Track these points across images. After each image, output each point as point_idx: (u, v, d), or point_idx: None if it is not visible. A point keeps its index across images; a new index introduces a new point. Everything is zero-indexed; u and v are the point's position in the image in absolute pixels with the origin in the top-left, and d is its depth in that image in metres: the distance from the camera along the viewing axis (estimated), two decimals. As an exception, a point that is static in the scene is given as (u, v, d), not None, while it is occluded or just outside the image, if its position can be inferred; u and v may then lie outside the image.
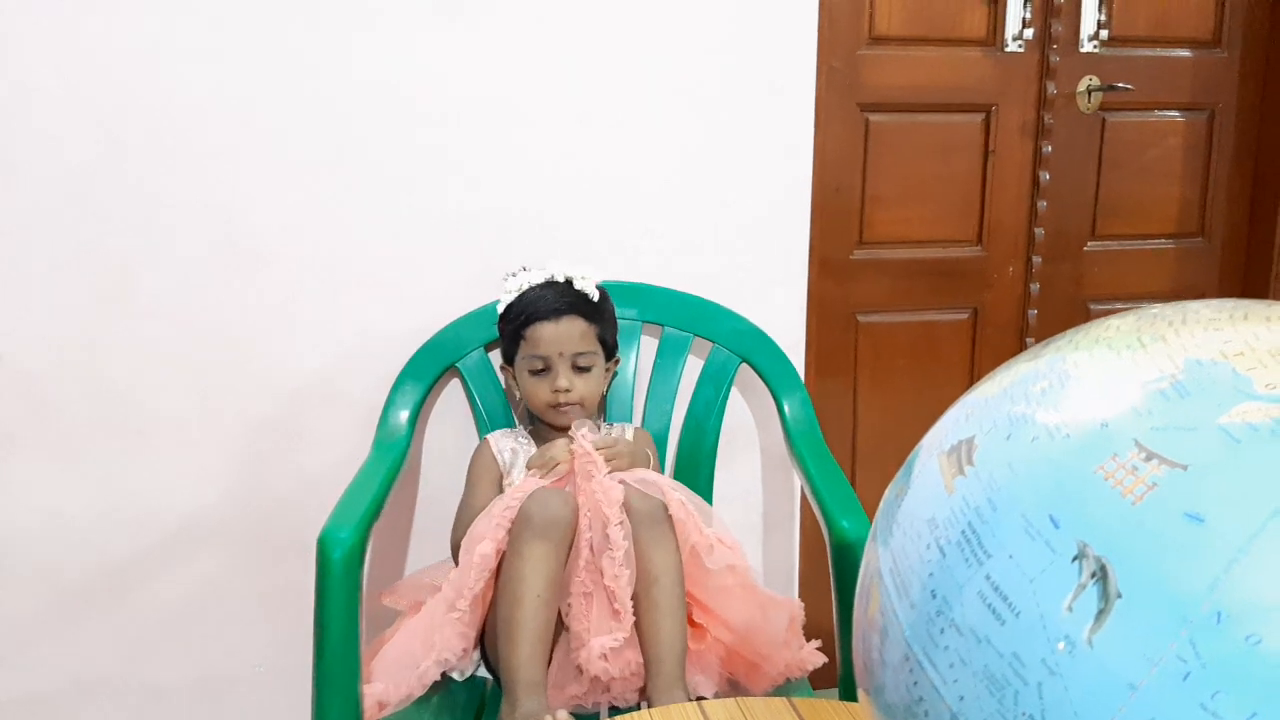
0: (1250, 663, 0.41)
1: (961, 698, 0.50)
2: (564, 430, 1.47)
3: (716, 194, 1.67)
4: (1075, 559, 0.46)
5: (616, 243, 1.65)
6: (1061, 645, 0.46)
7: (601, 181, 1.63)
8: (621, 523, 1.27)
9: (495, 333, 1.53)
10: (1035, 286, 1.94)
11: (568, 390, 1.42)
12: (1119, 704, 0.43)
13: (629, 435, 1.52)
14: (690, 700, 1.22)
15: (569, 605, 1.26)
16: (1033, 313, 1.95)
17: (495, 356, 1.59)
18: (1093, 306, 2.00)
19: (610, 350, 1.50)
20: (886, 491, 0.66)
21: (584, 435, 1.36)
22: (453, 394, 1.64)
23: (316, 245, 1.56)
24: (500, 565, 1.27)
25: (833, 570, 1.32)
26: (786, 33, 1.66)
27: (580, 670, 1.23)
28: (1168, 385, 0.50)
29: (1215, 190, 2.01)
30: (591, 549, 1.27)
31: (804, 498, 1.74)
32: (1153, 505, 0.46)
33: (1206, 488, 0.45)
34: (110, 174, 1.48)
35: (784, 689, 1.33)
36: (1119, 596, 0.45)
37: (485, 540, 1.26)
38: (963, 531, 0.53)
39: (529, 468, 1.40)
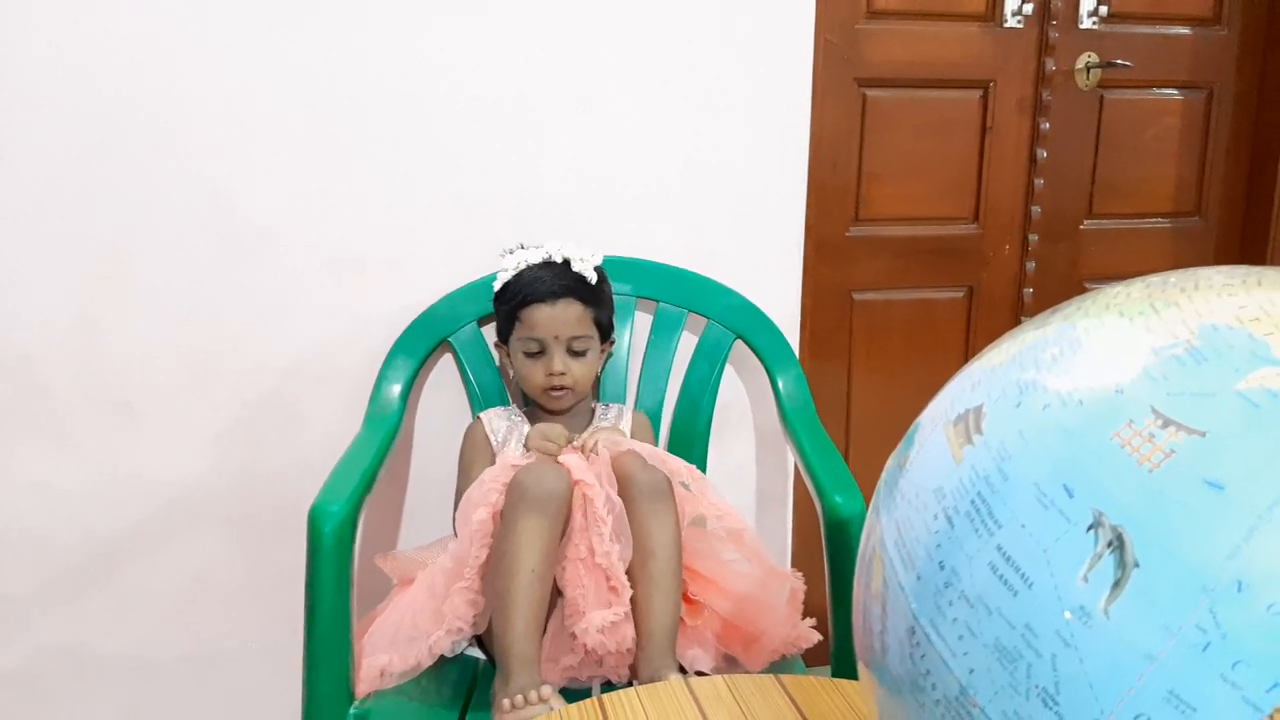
0: (1272, 632, 0.40)
1: (971, 670, 0.48)
2: (556, 413, 1.46)
3: (712, 170, 1.66)
4: (1090, 528, 0.45)
5: (611, 217, 1.63)
6: (1068, 615, 0.45)
7: (597, 158, 1.61)
8: (608, 499, 1.26)
9: (488, 308, 1.52)
10: (1031, 265, 1.94)
11: (562, 374, 1.41)
12: (1136, 675, 0.42)
13: (626, 419, 1.51)
14: (679, 674, 1.21)
15: (563, 569, 1.25)
16: (1028, 291, 1.94)
17: (488, 332, 1.57)
18: (1089, 285, 1.99)
19: (606, 332, 1.49)
20: (888, 462, 0.65)
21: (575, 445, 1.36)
22: (445, 369, 1.63)
23: (308, 222, 1.54)
24: (494, 534, 1.26)
25: (826, 547, 1.31)
26: (784, 6, 1.64)
27: (574, 637, 1.23)
28: (1183, 351, 0.49)
29: (1212, 169, 2.00)
30: (585, 516, 1.26)
31: (798, 475, 1.73)
32: (1171, 473, 0.44)
33: (1226, 454, 0.44)
34: (104, 154, 1.46)
35: (778, 665, 1.32)
36: (1136, 566, 0.43)
37: (480, 507, 1.25)
38: (972, 501, 0.51)
39: (527, 448, 1.39)
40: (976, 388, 0.57)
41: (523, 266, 1.45)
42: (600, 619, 1.20)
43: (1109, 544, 0.44)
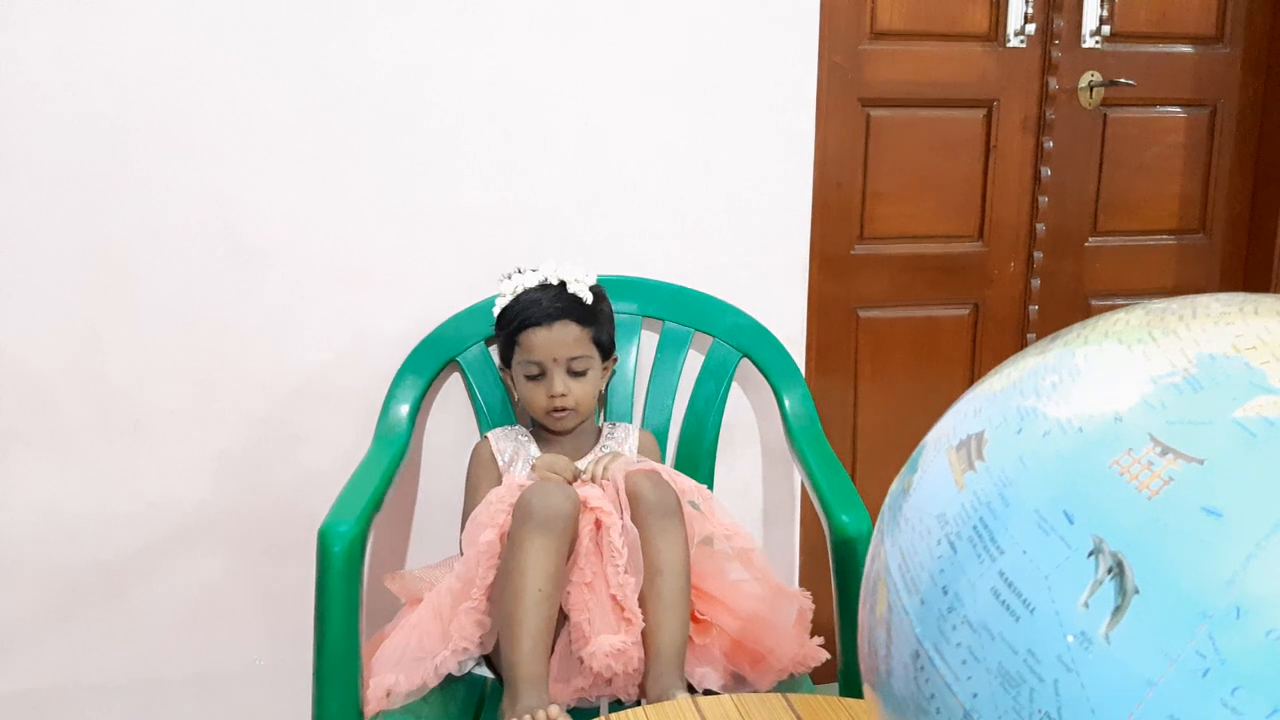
0: (1270, 658, 0.41)
1: (975, 695, 0.49)
2: (561, 433, 1.47)
3: (718, 189, 1.67)
4: (1091, 554, 0.46)
5: (617, 237, 1.64)
6: (1070, 639, 0.45)
7: (603, 176, 1.63)
8: (624, 528, 1.26)
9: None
10: (1036, 282, 1.94)
11: (563, 395, 1.42)
12: (1137, 701, 0.43)
13: (632, 438, 1.52)
14: (687, 692, 1.22)
15: (568, 593, 1.25)
16: (1034, 309, 1.95)
17: (495, 352, 1.58)
18: (1094, 303, 2.00)
19: (607, 350, 1.49)
20: (892, 486, 0.66)
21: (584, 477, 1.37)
22: (453, 388, 1.63)
23: (317, 240, 1.55)
24: (501, 555, 1.26)
25: (833, 566, 1.31)
26: (788, 27, 1.65)
27: (581, 661, 1.23)
28: (1180, 379, 0.50)
29: (1216, 187, 2.01)
30: (594, 541, 1.26)
31: (804, 493, 1.74)
32: (1170, 500, 0.45)
33: (1224, 482, 0.44)
34: (110, 168, 1.47)
35: (786, 684, 1.33)
36: (1136, 592, 0.44)
37: (487, 529, 1.26)
38: (974, 527, 0.52)
39: (534, 470, 1.40)
40: (978, 414, 0.58)
41: (520, 290, 1.46)
42: (609, 643, 1.20)
43: (1109, 570, 0.45)
